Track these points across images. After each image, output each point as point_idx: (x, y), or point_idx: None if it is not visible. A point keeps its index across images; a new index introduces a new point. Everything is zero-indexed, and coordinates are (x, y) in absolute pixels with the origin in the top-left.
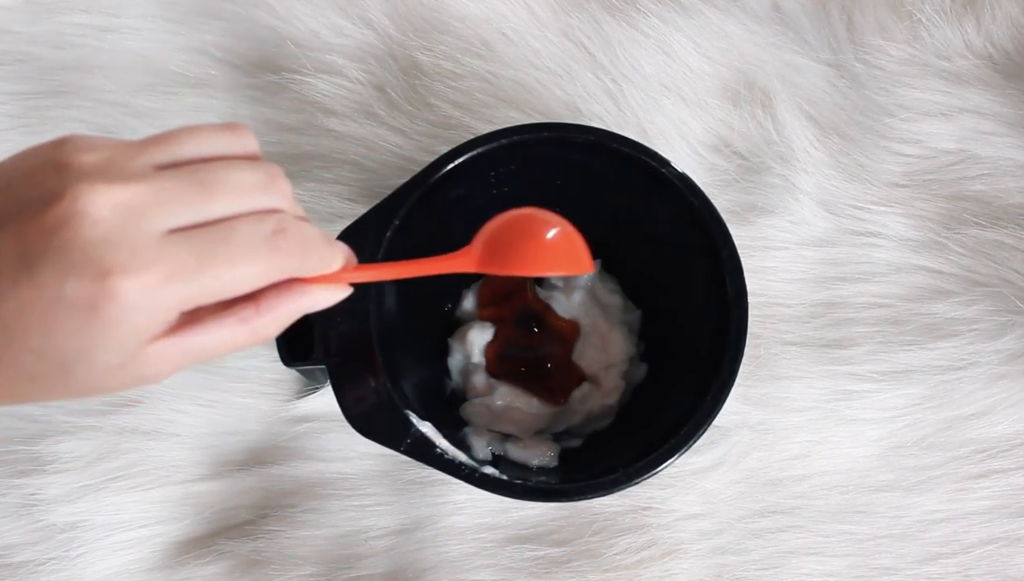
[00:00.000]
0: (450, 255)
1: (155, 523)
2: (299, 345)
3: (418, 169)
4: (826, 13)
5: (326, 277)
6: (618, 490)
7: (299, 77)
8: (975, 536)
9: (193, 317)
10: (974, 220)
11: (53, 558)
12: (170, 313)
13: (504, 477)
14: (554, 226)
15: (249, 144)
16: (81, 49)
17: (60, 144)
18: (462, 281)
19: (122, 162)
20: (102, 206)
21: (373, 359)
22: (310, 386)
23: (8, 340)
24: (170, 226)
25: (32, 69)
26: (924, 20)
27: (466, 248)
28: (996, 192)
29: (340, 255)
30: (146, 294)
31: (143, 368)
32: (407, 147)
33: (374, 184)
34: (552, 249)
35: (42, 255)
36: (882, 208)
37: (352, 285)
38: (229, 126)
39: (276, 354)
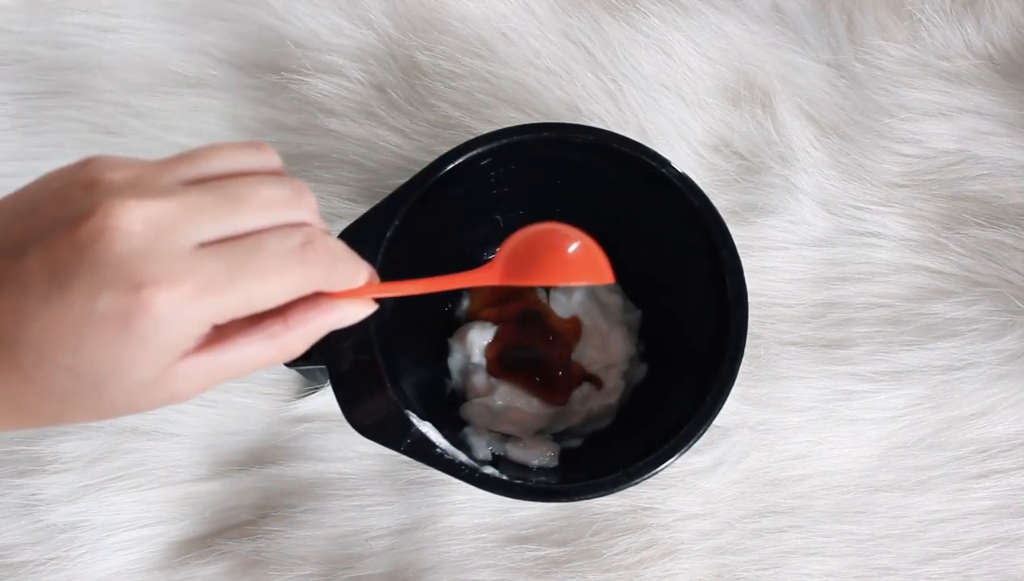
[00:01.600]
0: (475, 271)
1: (155, 523)
2: None
3: (418, 169)
4: (826, 13)
5: (352, 292)
6: (618, 490)
7: (299, 77)
8: (975, 536)
9: (222, 334)
10: (974, 220)
11: (53, 558)
12: (202, 326)
13: (504, 477)
14: (575, 240)
15: (273, 161)
16: (81, 49)
17: (86, 164)
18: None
19: (150, 178)
20: (134, 221)
21: (373, 359)
22: (310, 386)
23: (39, 358)
24: (200, 240)
25: (32, 69)
26: (924, 20)
27: (489, 262)
28: (996, 192)
29: (365, 270)
30: (179, 307)
31: (174, 385)
32: (407, 147)
33: (374, 184)
34: (574, 261)
35: (74, 271)
36: (882, 208)
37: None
38: (253, 144)
39: None
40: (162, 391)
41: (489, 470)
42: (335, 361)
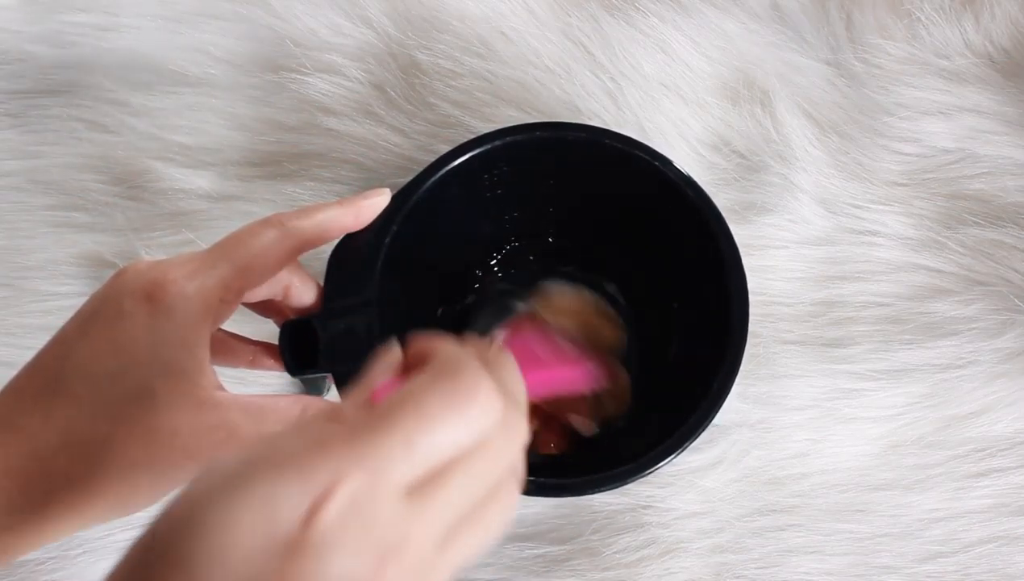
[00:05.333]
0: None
1: None
2: (303, 353)
3: (418, 168)
4: (825, 12)
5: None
6: (620, 485)
7: (298, 76)
8: (974, 535)
9: None
10: (973, 219)
11: (53, 557)
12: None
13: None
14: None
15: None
16: (80, 48)
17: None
18: (463, 291)
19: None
20: None
21: None
22: (313, 394)
23: None
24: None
25: (32, 68)
26: (923, 19)
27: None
28: (995, 191)
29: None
30: None
31: None
32: (406, 146)
33: (373, 183)
34: None
35: None
36: (881, 207)
37: (351, 287)
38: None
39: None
40: None
41: None
42: (339, 368)
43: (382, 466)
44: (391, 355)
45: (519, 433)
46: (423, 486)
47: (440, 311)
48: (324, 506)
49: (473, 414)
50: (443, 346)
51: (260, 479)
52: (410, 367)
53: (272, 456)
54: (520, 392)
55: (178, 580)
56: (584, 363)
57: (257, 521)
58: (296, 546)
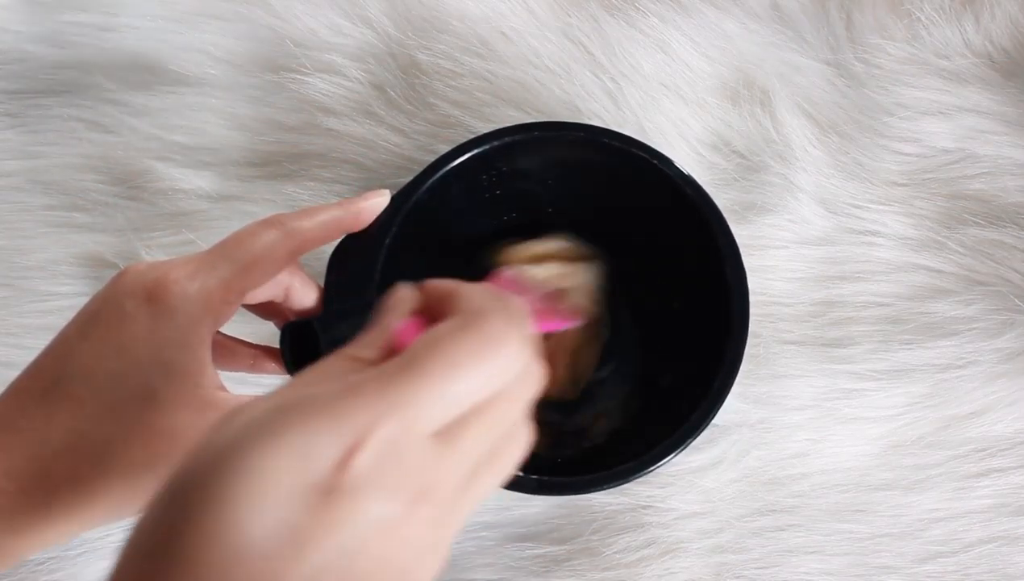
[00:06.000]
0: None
1: None
2: (305, 356)
3: (418, 168)
4: (825, 12)
5: None
6: (621, 484)
7: (298, 76)
8: (974, 535)
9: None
10: (973, 219)
11: (53, 557)
12: None
13: (519, 473)
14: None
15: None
16: (80, 48)
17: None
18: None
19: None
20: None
21: None
22: None
23: None
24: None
25: (31, 68)
26: (923, 19)
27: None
28: (995, 191)
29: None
30: None
31: None
32: (406, 146)
33: (373, 183)
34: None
35: None
36: (881, 207)
37: (352, 288)
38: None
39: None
40: None
41: None
42: None
43: (414, 413)
44: (405, 297)
45: (537, 380)
46: (450, 430)
47: None
48: (359, 451)
49: (500, 363)
50: (466, 290)
51: (293, 425)
52: (428, 310)
53: (304, 402)
54: (534, 339)
55: (213, 518)
56: (557, 305)
57: (292, 466)
58: (331, 490)
